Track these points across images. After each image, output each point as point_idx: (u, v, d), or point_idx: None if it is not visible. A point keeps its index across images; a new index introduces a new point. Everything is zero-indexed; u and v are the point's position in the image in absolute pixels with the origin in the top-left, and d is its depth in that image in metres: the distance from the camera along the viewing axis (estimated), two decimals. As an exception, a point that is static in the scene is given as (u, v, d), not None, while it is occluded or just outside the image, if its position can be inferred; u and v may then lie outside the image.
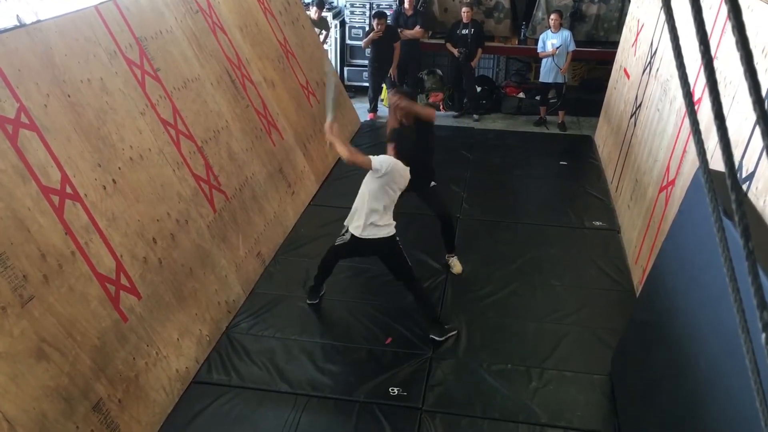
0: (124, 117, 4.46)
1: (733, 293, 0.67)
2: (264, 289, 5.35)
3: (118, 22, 4.75)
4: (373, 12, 9.38)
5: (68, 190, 3.74)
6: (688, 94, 0.75)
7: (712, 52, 4.10)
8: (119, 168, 4.24)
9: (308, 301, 5.14)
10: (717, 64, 4.22)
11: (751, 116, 3.58)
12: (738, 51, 0.67)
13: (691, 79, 3.43)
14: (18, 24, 4.15)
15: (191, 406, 4.10)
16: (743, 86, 3.81)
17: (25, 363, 3.14)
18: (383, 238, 4.59)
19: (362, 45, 9.68)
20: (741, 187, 0.77)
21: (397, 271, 4.80)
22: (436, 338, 4.69)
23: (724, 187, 1.10)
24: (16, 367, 3.08)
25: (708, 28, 0.96)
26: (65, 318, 3.43)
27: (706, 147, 0.92)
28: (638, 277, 5.32)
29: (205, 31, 6.02)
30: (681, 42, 0.83)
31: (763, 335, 0.62)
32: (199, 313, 4.58)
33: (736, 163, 3.65)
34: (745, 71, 0.67)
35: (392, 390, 4.25)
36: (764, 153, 3.33)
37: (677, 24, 0.81)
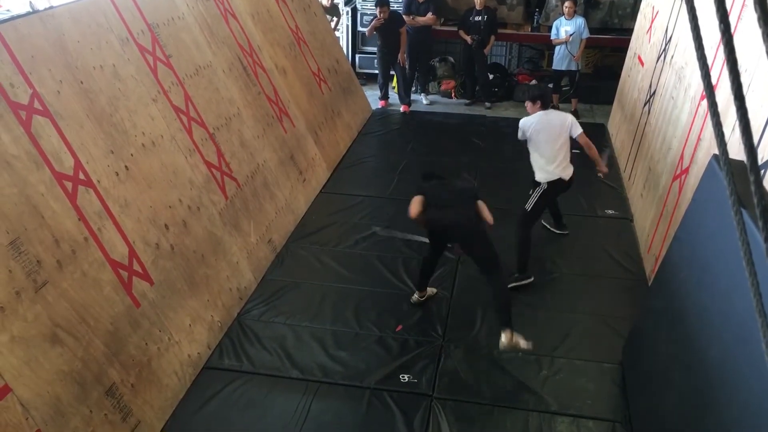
0: (136, 103, 4.47)
1: (750, 277, 0.67)
2: (275, 276, 5.37)
3: (130, 9, 4.75)
4: (377, 0, 9.32)
5: (81, 176, 3.76)
6: (707, 76, 0.74)
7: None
8: (132, 154, 4.26)
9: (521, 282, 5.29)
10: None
11: (767, 104, 3.54)
12: (760, 27, 0.66)
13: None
14: (31, 10, 4.16)
15: (203, 391, 4.13)
16: (759, 74, 3.77)
17: (40, 347, 3.17)
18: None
19: (366, 33, 9.64)
20: (759, 169, 0.77)
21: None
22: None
23: (738, 175, 1.09)
24: (30, 351, 3.11)
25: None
26: (79, 303, 3.46)
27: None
28: (651, 266, 5.29)
29: (217, 17, 6.01)
30: (699, 23, 0.82)
31: (781, 319, 0.62)
32: (211, 300, 4.61)
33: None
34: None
35: (403, 377, 4.26)
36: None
37: (696, 4, 0.80)
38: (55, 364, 3.23)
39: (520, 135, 5.33)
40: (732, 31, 4.26)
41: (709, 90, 0.78)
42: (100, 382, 3.48)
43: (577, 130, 5.21)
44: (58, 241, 3.44)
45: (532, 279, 5.30)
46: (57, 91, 3.81)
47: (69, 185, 3.64)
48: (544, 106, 5.28)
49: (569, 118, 5.28)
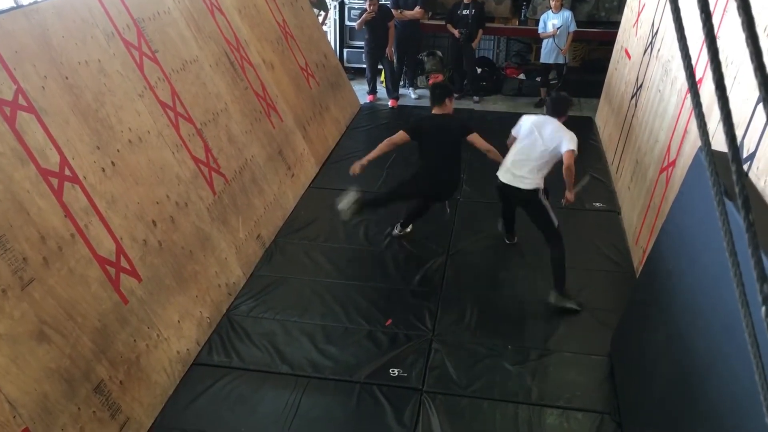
0: (122, 99, 4.44)
1: (733, 267, 0.67)
2: (264, 272, 5.36)
3: (115, 4, 4.71)
4: None
5: (67, 172, 3.73)
6: (689, 67, 0.74)
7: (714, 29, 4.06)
8: (118, 150, 4.23)
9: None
10: (719, 43, 4.19)
11: (753, 97, 3.56)
12: (743, 31, 0.66)
13: (693, 58, 3.33)
14: (15, 5, 4.12)
15: (192, 387, 4.12)
16: (744, 67, 3.79)
17: (26, 345, 3.14)
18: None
19: (356, 27, 9.61)
20: (741, 161, 0.76)
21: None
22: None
23: (723, 167, 1.10)
24: (17, 348, 3.09)
25: (711, 4, 0.95)
26: (66, 300, 3.43)
27: (707, 126, 0.91)
28: (638, 258, 5.32)
29: (204, 12, 5.97)
30: (683, 15, 0.82)
31: (763, 308, 0.62)
32: (200, 296, 4.59)
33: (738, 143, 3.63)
34: (751, 53, 0.65)
35: (393, 371, 4.26)
36: (765, 133, 3.32)
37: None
38: (42, 361, 3.21)
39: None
40: (719, 21, 4.26)
41: (692, 80, 0.78)
42: (89, 379, 3.46)
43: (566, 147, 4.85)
44: (44, 237, 3.42)
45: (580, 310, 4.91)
46: (42, 86, 3.77)
47: (55, 182, 3.62)
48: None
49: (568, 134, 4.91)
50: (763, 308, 0.61)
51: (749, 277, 0.68)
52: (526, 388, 4.16)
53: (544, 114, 5.16)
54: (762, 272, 0.60)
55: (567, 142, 4.82)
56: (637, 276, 5.05)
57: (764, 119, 3.36)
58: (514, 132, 5.18)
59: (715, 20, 4.40)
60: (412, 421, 3.88)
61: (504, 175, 5.05)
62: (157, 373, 3.99)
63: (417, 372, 4.26)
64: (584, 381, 4.25)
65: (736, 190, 0.64)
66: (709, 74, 0.77)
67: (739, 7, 0.72)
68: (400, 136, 5.42)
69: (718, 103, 0.72)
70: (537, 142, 4.91)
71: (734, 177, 0.65)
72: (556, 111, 5.05)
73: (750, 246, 0.62)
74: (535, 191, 4.94)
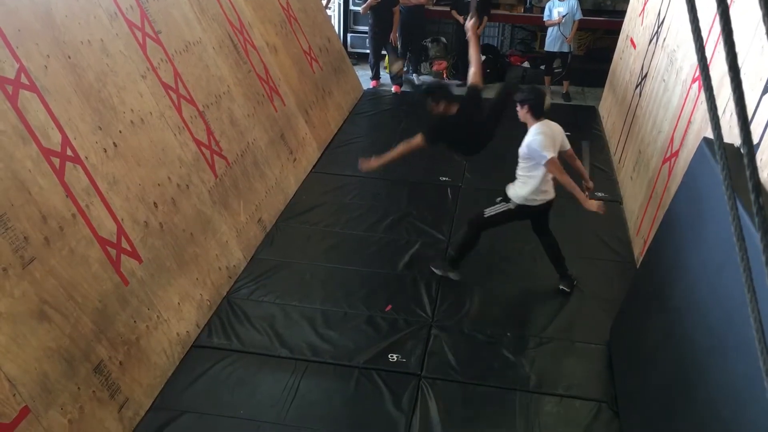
0: (124, 80, 4.42)
1: (740, 252, 0.67)
2: (264, 255, 5.36)
3: (118, -17, 4.68)
4: None
5: (69, 152, 3.72)
6: (701, 49, 0.73)
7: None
8: (120, 131, 4.22)
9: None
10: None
11: (758, 86, 3.54)
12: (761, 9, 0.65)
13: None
14: (17, -17, 4.09)
15: (192, 369, 4.13)
16: (750, 57, 3.77)
17: (27, 324, 3.15)
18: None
19: (361, 11, 9.56)
20: (752, 139, 0.75)
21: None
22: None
23: (730, 157, 1.09)
24: (17, 327, 3.09)
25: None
26: (66, 280, 3.44)
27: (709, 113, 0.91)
28: (639, 249, 5.32)
29: (207, -7, 5.94)
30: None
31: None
32: (200, 278, 4.60)
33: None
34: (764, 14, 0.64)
35: (391, 356, 4.27)
36: (770, 124, 3.31)
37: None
38: (42, 340, 3.21)
39: (553, 151, 4.48)
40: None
41: (703, 63, 0.77)
42: (88, 359, 3.47)
43: (567, 145, 4.72)
44: (45, 217, 3.42)
45: (458, 279, 5.00)
46: (44, 65, 3.76)
47: (56, 161, 3.61)
48: (538, 117, 4.56)
49: (562, 131, 4.72)
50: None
51: (756, 263, 0.67)
52: (525, 376, 4.18)
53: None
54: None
55: (565, 138, 4.68)
56: (638, 266, 5.05)
57: (769, 110, 3.35)
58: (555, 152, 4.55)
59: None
60: (410, 406, 3.90)
61: (544, 194, 4.71)
62: (157, 354, 4.00)
63: (416, 358, 4.27)
64: (582, 369, 4.26)
65: (747, 173, 0.64)
66: (714, 63, 0.76)
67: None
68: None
69: (731, 84, 0.71)
70: (557, 150, 4.65)
71: (745, 160, 0.65)
72: (538, 111, 4.61)
73: (759, 229, 0.61)
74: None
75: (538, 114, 4.57)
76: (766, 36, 0.68)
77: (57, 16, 3.99)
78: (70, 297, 3.43)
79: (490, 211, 4.85)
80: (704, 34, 4.29)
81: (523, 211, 4.76)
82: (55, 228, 3.46)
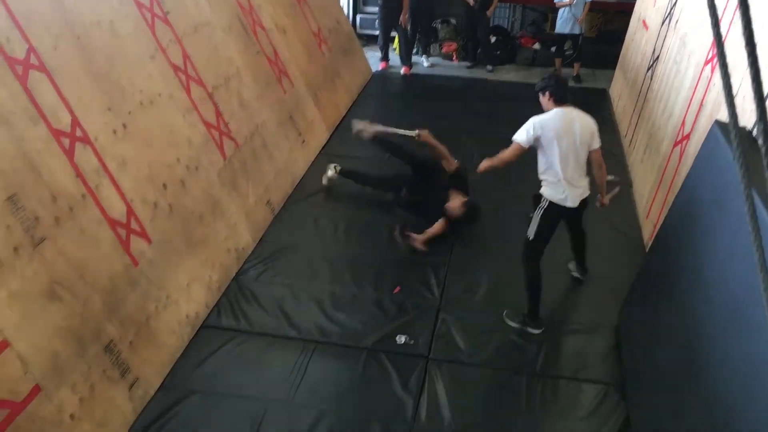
0: (134, 61, 4.42)
1: (753, 232, 0.66)
2: (273, 237, 5.37)
3: (127, -37, 4.66)
4: None
5: (78, 133, 3.73)
6: (716, 24, 0.72)
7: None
8: (129, 112, 4.22)
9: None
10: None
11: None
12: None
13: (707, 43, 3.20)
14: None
15: (201, 349, 4.16)
16: (764, 44, 3.72)
17: (38, 303, 3.18)
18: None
19: None
20: (767, 110, 0.74)
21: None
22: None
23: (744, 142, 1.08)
24: (29, 306, 3.12)
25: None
26: (77, 260, 3.46)
27: (709, 101, 0.90)
28: (648, 232, 5.30)
29: (216, -26, 5.90)
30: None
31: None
32: (209, 259, 4.62)
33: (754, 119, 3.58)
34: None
35: (399, 338, 4.29)
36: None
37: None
38: (53, 320, 3.24)
39: (524, 138, 4.15)
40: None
41: (719, 39, 0.76)
42: (98, 338, 3.50)
43: (597, 143, 4.32)
44: (55, 197, 3.43)
45: (542, 330, 4.42)
46: (54, 46, 3.75)
47: (66, 142, 3.62)
48: (561, 101, 4.24)
49: (594, 124, 4.31)
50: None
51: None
52: (532, 359, 4.18)
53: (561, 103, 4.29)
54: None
55: (597, 137, 4.32)
56: (647, 250, 5.04)
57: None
58: (526, 140, 4.17)
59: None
60: (417, 388, 3.91)
61: (572, 198, 4.28)
62: (167, 334, 4.03)
63: (424, 340, 4.29)
64: (590, 352, 4.26)
65: (760, 141, 0.63)
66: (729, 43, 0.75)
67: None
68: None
69: (748, 60, 0.70)
70: (582, 144, 4.22)
71: (758, 126, 0.64)
72: (561, 97, 4.29)
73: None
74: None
75: (560, 99, 4.24)
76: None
77: (66, -4, 3.98)
78: (80, 277, 3.46)
79: (531, 230, 4.34)
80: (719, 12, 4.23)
81: (557, 209, 4.29)
82: (65, 208, 3.48)
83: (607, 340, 4.36)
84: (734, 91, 3.76)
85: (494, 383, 4.04)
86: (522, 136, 4.19)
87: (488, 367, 4.14)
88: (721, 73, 0.74)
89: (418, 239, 5.20)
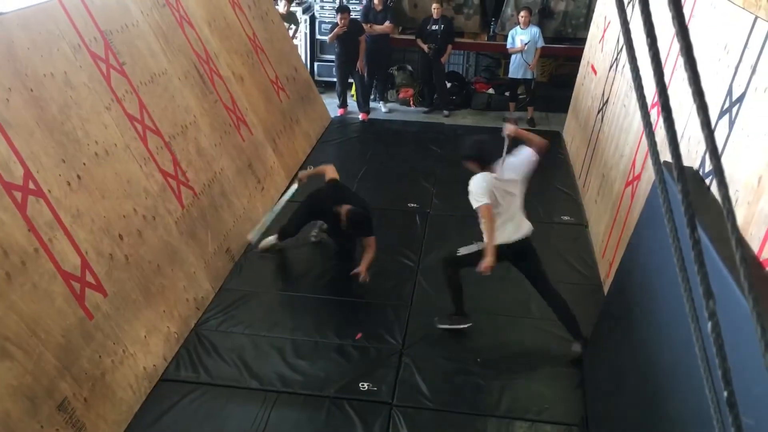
0: (89, 112, 4.39)
1: (683, 283, 0.69)
2: (233, 286, 5.31)
3: (82, 15, 4.67)
4: (337, 6, 9.34)
5: (31, 186, 3.67)
6: (659, 72, 0.76)
7: (671, 48, 4.19)
8: (84, 163, 4.18)
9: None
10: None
11: (717, 110, 3.64)
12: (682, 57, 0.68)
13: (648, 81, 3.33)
14: (-22, 16, 4.06)
15: (159, 403, 4.06)
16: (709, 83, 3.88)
17: (-13, 362, 3.08)
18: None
19: (327, 40, 9.64)
20: (686, 179, 0.77)
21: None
22: None
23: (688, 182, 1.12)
24: (-23, 366, 3.02)
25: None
26: (29, 316, 3.37)
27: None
28: (605, 271, 5.39)
29: (173, 25, 5.94)
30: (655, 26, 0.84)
31: (709, 324, 0.64)
32: (167, 311, 4.54)
33: (699, 159, 3.72)
34: (685, 62, 0.68)
35: (362, 385, 4.25)
36: (725, 146, 3.40)
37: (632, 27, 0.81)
38: (3, 378, 3.14)
39: (486, 197, 4.29)
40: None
41: (662, 86, 0.80)
42: (52, 396, 3.39)
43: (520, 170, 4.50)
44: (6, 252, 3.35)
45: (470, 325, 4.77)
46: (6, 99, 3.72)
47: (18, 195, 3.56)
48: (486, 165, 4.42)
49: (526, 151, 4.52)
50: (710, 324, 0.63)
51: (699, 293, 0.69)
52: (495, 401, 4.18)
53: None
54: (708, 288, 0.62)
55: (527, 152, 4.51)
56: (605, 288, 5.12)
57: (725, 133, 3.45)
58: (486, 200, 4.31)
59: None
60: (381, 436, 3.87)
61: (516, 232, 4.47)
62: (123, 389, 3.93)
63: (387, 386, 4.26)
64: (553, 393, 4.28)
65: (683, 208, 0.66)
66: (656, 90, 0.79)
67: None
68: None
69: (664, 124, 0.74)
70: (511, 182, 4.45)
71: (680, 196, 0.67)
72: (486, 161, 4.45)
73: (696, 262, 0.63)
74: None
75: (485, 164, 4.43)
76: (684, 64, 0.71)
77: (19, 48, 3.96)
78: (32, 333, 3.37)
79: (463, 251, 4.63)
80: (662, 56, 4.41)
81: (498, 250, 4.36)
82: (17, 263, 3.40)
83: (570, 380, 4.38)
84: (681, 133, 3.89)
85: (458, 427, 4.02)
86: (484, 198, 4.29)
87: (452, 412, 4.12)
88: (663, 117, 0.78)
89: (362, 270, 5.19)
